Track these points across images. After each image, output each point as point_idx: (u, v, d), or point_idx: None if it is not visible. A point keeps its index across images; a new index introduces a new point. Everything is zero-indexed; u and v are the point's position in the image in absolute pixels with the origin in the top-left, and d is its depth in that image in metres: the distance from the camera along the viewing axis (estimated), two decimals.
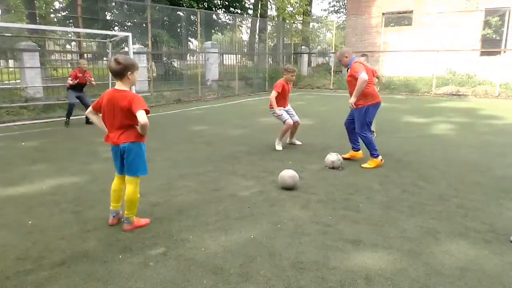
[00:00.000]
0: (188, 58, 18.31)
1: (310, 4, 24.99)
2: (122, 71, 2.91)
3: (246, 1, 23.78)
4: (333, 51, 21.15)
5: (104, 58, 13.79)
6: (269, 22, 23.85)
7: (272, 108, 6.05)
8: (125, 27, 15.84)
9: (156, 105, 12.05)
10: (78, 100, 8.27)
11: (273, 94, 6.00)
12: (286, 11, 21.49)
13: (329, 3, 37.43)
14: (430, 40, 16.96)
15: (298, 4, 22.37)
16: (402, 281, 2.44)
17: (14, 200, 3.87)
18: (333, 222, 3.34)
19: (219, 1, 21.54)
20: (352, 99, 4.82)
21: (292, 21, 22.57)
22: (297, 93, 16.36)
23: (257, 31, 23.25)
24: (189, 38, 18.74)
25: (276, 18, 24.77)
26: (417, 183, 4.42)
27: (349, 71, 4.99)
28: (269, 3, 25.11)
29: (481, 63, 16.31)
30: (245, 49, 21.43)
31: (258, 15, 24.34)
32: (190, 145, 6.49)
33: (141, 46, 14.31)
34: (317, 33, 32.33)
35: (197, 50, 16.26)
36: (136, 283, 2.41)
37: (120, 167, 3.14)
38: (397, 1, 18.52)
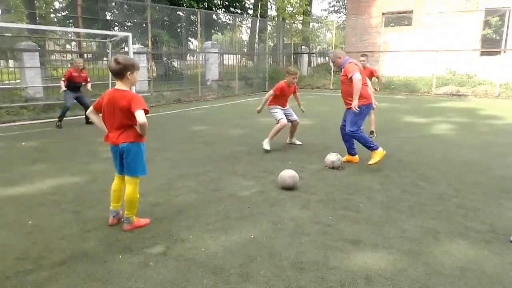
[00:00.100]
0: (188, 58, 18.31)
1: (310, 4, 24.98)
2: (121, 71, 2.92)
3: (246, 1, 23.78)
4: (333, 51, 21.11)
5: (104, 58, 13.79)
6: (269, 22, 23.84)
7: (270, 106, 6.08)
8: (125, 27, 15.83)
9: (156, 105, 12.05)
10: (75, 102, 8.26)
11: (270, 93, 6.06)
12: (286, 11, 21.48)
13: (329, 3, 37.44)
14: (430, 40, 16.95)
15: (298, 4, 22.36)
16: (402, 281, 2.44)
17: (14, 200, 3.87)
18: (333, 222, 3.34)
19: (219, 1, 21.53)
20: (355, 102, 4.83)
21: (292, 21, 22.56)
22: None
23: (257, 31, 23.25)
24: (189, 38, 18.75)
25: (276, 18, 24.75)
26: (417, 183, 4.42)
27: (342, 71, 5.08)
28: (269, 3, 25.09)
29: (481, 63, 16.31)
30: (245, 49, 21.42)
31: (258, 15, 24.33)
32: (190, 145, 6.49)
33: (141, 46, 14.30)
34: (317, 33, 32.34)
35: (197, 50, 16.26)
36: (136, 283, 2.41)
37: (119, 167, 3.14)
38: (397, 1, 18.52)
